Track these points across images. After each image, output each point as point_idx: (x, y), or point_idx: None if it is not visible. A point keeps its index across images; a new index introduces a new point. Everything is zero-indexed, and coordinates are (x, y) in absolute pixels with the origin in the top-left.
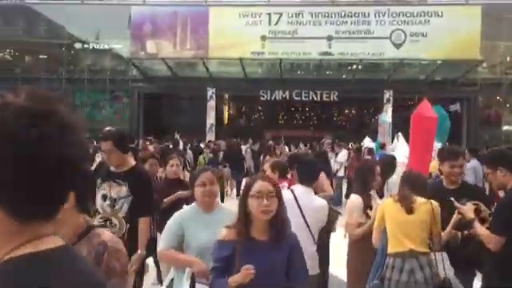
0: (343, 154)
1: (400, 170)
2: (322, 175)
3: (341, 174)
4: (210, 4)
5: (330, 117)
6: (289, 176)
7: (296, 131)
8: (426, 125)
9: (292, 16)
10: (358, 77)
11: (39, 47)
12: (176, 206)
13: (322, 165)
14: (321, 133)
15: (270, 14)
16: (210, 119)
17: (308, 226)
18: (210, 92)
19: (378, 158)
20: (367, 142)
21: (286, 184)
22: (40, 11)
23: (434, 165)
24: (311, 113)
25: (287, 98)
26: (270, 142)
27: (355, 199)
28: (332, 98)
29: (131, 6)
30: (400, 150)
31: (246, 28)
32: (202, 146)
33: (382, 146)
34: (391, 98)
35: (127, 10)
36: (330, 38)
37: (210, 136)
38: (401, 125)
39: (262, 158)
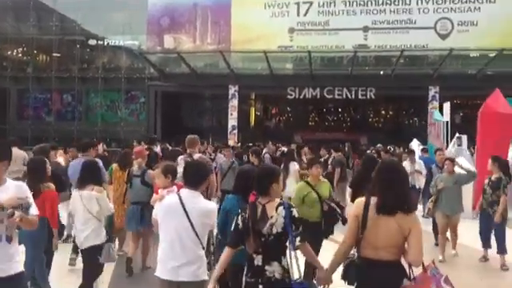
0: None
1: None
2: None
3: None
4: None
5: (365, 117)
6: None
7: (328, 133)
8: (498, 122)
9: (323, 5)
10: (398, 72)
11: (52, 44)
12: None
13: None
14: (355, 135)
15: (298, 3)
16: (232, 120)
17: (194, 229)
18: (233, 90)
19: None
20: (415, 146)
21: (175, 188)
22: (52, 6)
23: None
24: (344, 113)
25: (318, 96)
26: (292, 147)
27: None
28: (368, 96)
29: None
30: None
31: (272, 20)
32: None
33: (437, 151)
34: (437, 95)
35: (144, 3)
36: (366, 29)
37: (233, 139)
38: (453, 126)
39: (283, 164)
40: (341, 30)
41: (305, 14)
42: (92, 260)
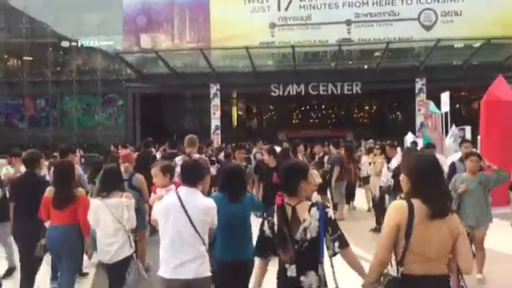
0: (398, 159)
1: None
2: None
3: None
4: None
5: (350, 113)
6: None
7: (313, 131)
8: (503, 111)
9: None
10: (383, 65)
11: (22, 48)
12: None
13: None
14: (341, 131)
15: None
16: (215, 120)
17: (194, 226)
18: (214, 89)
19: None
20: (409, 139)
21: (173, 186)
22: (21, 9)
23: None
24: (329, 110)
25: (302, 92)
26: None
27: None
28: (354, 91)
29: None
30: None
31: (253, 15)
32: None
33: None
34: (424, 88)
35: (118, 2)
36: (348, 23)
37: (216, 139)
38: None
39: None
40: (323, 24)
41: (286, 9)
42: (123, 273)
